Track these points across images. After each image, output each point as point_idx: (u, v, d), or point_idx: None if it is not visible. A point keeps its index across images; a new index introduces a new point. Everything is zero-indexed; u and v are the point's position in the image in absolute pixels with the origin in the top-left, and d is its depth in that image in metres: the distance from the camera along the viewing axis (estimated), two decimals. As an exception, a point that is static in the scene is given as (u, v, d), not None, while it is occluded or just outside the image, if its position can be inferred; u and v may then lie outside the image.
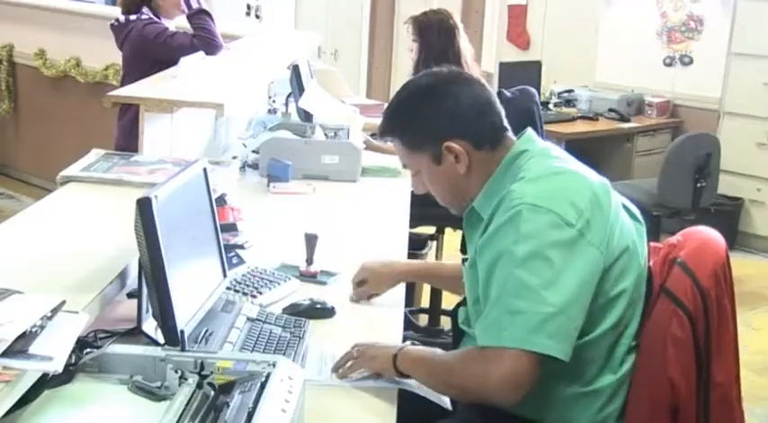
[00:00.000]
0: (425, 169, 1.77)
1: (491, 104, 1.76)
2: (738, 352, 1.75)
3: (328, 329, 1.96)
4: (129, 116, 3.53)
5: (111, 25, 3.83)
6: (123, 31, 3.76)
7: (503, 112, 1.77)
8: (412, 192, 3.18)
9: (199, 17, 3.67)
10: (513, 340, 1.55)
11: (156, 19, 3.76)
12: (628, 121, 5.71)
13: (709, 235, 1.77)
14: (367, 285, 2.12)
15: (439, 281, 2.41)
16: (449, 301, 3.69)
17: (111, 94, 2.69)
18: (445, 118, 1.72)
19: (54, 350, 1.28)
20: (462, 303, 1.87)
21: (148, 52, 3.65)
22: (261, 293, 2.07)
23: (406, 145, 1.78)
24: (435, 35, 3.67)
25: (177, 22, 3.88)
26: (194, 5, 3.73)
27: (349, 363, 1.74)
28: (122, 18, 3.77)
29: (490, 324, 1.60)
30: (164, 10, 3.80)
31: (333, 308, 2.04)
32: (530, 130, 1.79)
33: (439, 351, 1.75)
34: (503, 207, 1.64)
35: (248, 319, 1.88)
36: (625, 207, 1.76)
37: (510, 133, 1.78)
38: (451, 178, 1.75)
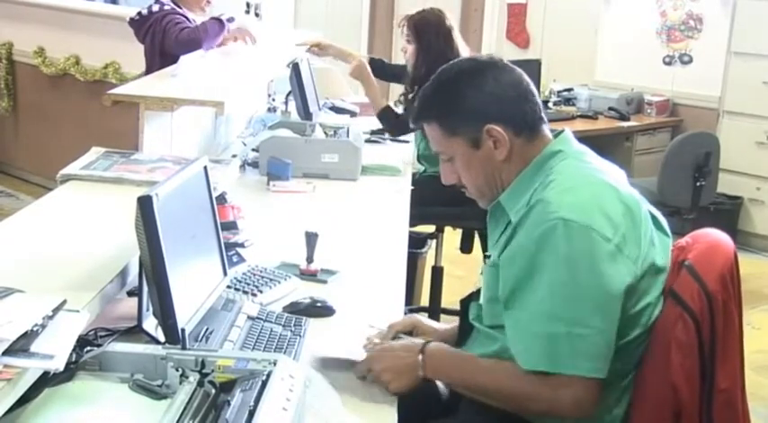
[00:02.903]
0: (461, 154, 1.72)
1: (530, 92, 1.73)
2: (744, 358, 1.73)
3: (328, 328, 1.96)
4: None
5: (131, 20, 3.86)
6: (145, 24, 3.79)
7: (541, 103, 1.75)
8: (412, 190, 3.20)
9: (214, 20, 3.72)
10: (555, 365, 1.56)
11: (177, 9, 3.78)
12: (627, 119, 5.71)
13: (718, 238, 1.74)
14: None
15: None
16: (448, 299, 3.70)
17: (111, 92, 2.68)
18: (487, 100, 1.69)
19: (55, 348, 1.28)
20: (471, 298, 1.86)
21: (167, 46, 3.69)
22: (261, 292, 2.07)
23: (444, 127, 1.73)
24: (434, 36, 3.58)
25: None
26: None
27: (370, 373, 1.71)
28: (145, 11, 3.80)
29: (529, 346, 1.58)
30: (186, 3, 3.83)
31: (333, 306, 2.04)
32: (567, 131, 1.77)
33: (473, 358, 1.73)
34: (535, 216, 1.61)
35: (249, 317, 1.87)
36: (653, 218, 1.73)
37: (546, 126, 1.75)
38: (488, 165, 1.71)
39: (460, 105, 1.71)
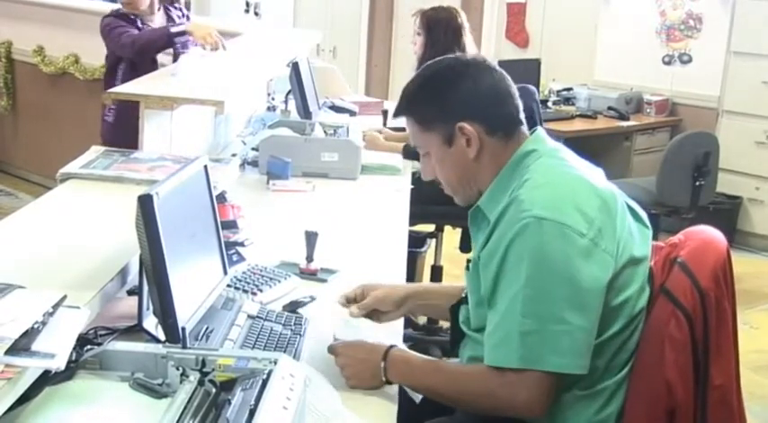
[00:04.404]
0: (435, 150, 1.74)
1: (510, 95, 1.74)
2: (738, 354, 1.73)
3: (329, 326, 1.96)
4: (118, 112, 3.68)
5: None
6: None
7: (521, 106, 1.76)
8: (411, 189, 3.21)
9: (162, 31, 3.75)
10: (527, 362, 1.56)
11: (119, 13, 3.83)
12: (626, 119, 5.71)
13: (711, 235, 1.75)
14: (372, 300, 1.93)
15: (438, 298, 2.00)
16: (448, 298, 3.70)
17: (111, 91, 2.69)
18: (461, 98, 1.71)
19: (56, 347, 1.28)
20: (462, 302, 1.86)
21: (106, 44, 3.85)
22: (261, 291, 2.07)
23: (419, 122, 1.75)
24: (443, 32, 3.67)
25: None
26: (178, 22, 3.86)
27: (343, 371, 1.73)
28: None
29: (501, 342, 1.59)
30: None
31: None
32: (540, 130, 1.77)
33: (435, 363, 1.75)
34: (509, 215, 1.61)
35: (249, 316, 1.88)
36: (632, 210, 1.73)
37: (525, 128, 1.75)
38: (460, 162, 1.72)
39: (436, 102, 1.73)
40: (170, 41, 3.72)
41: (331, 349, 1.77)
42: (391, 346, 1.74)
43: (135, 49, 3.68)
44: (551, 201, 1.59)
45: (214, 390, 1.43)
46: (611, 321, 1.64)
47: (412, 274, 3.58)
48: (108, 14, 3.91)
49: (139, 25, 3.83)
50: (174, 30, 3.72)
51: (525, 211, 1.58)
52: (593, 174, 1.72)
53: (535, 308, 1.55)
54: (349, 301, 1.95)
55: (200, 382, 1.43)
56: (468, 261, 1.79)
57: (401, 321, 2.04)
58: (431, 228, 3.86)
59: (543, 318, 1.55)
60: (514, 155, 1.72)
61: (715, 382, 1.66)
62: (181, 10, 4.15)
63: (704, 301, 1.64)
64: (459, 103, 1.71)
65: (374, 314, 1.93)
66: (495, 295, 1.62)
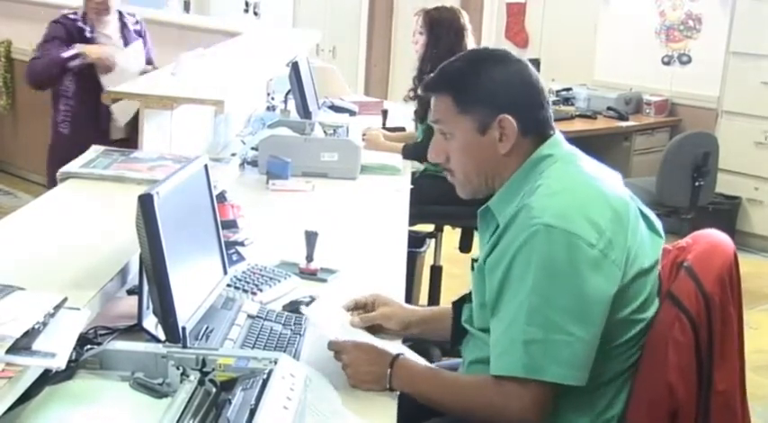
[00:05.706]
0: (463, 135, 1.68)
1: (546, 97, 1.72)
2: (744, 360, 1.73)
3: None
4: (74, 123, 3.72)
5: None
6: None
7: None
8: (411, 189, 3.21)
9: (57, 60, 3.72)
10: (530, 371, 1.55)
11: (68, 19, 3.82)
12: (626, 119, 5.71)
13: (718, 238, 1.74)
14: (379, 315, 1.94)
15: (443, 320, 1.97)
16: (447, 298, 3.69)
17: (111, 90, 2.68)
18: (510, 91, 1.67)
19: (57, 347, 1.28)
20: (464, 300, 1.86)
21: None
22: (261, 290, 2.07)
23: (459, 102, 1.67)
24: (445, 32, 3.68)
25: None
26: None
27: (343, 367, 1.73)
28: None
29: (505, 351, 1.58)
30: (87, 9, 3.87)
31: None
32: (558, 134, 1.74)
33: (437, 373, 1.75)
34: (518, 222, 1.60)
35: (249, 316, 1.88)
36: (645, 217, 1.72)
37: (552, 133, 1.73)
38: (485, 154, 1.68)
39: (483, 85, 1.67)
40: (64, 68, 3.71)
41: (333, 345, 1.75)
42: (399, 355, 1.73)
43: (32, 81, 3.75)
44: (562, 209, 1.58)
45: (214, 389, 1.43)
46: (619, 332, 1.63)
47: (411, 275, 3.58)
48: (55, 19, 3.85)
49: (87, 35, 3.79)
50: (65, 55, 3.70)
51: (535, 219, 1.57)
52: (609, 181, 1.70)
53: (539, 317, 1.55)
54: (358, 306, 1.95)
55: (201, 382, 1.43)
56: (473, 260, 1.78)
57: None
58: (430, 228, 3.86)
59: (546, 327, 1.55)
60: (530, 158, 1.69)
61: (718, 387, 1.66)
62: (134, 15, 4.05)
63: (708, 305, 1.64)
64: (505, 95, 1.67)
65: (375, 327, 1.93)
66: (499, 302, 1.61)
